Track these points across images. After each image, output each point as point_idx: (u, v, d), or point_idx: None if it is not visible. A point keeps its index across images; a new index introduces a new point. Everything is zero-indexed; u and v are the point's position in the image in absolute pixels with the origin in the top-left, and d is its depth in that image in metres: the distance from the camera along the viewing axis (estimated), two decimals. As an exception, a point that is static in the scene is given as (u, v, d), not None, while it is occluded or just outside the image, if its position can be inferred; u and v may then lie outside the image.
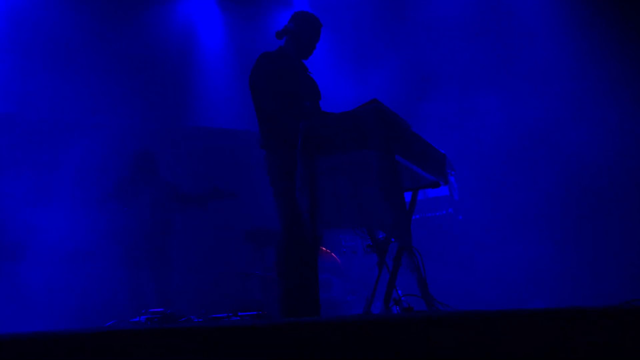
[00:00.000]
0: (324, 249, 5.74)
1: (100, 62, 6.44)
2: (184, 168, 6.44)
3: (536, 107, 6.33)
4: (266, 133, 3.57)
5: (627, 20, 5.95)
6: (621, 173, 5.87)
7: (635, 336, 1.74)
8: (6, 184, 5.48)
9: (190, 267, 6.13)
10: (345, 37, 7.51)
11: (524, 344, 1.65)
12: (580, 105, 6.06)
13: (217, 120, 7.21)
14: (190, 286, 6.03)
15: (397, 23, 7.40)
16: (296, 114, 3.38)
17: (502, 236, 6.08)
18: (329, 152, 2.97)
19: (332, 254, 5.77)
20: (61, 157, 5.80)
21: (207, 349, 1.40)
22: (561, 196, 6.13)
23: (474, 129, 6.57)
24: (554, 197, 6.16)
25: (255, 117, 3.67)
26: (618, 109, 5.86)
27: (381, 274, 3.57)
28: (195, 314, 4.32)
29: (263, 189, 3.74)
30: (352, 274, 5.74)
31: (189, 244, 6.17)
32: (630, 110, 5.81)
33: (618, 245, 5.75)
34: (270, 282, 5.05)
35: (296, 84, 3.61)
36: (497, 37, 6.79)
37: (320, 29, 3.86)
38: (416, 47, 7.19)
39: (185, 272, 5.97)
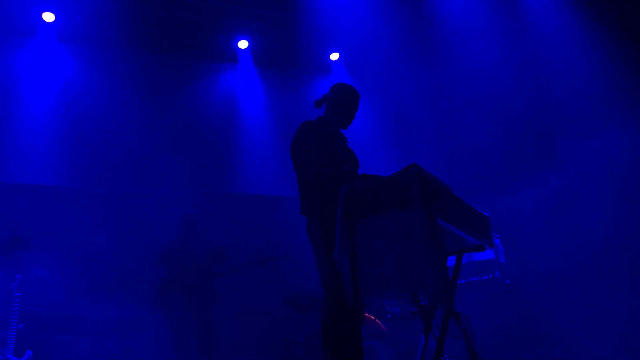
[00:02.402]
0: (368, 315, 5.62)
1: (147, 133, 6.70)
2: (226, 234, 6.48)
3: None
4: (306, 199, 3.61)
5: None
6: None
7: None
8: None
9: (233, 334, 6.07)
10: (385, 105, 7.61)
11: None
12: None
13: (258, 186, 7.31)
14: (234, 354, 5.95)
15: (437, 91, 7.47)
16: (335, 180, 3.41)
17: (553, 300, 5.84)
18: (369, 216, 2.95)
19: (377, 320, 5.63)
20: (111, 225, 5.94)
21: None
22: (617, 255, 5.90)
23: (518, 191, 6.48)
24: (610, 256, 5.93)
25: (296, 183, 3.72)
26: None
27: (428, 341, 3.47)
28: None
29: (304, 254, 3.73)
30: (398, 340, 5.57)
31: (232, 310, 6.14)
32: None
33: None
34: (314, 349, 4.95)
35: (335, 151, 3.67)
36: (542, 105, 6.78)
37: (359, 99, 3.97)
38: (455, 113, 7.23)
39: (229, 339, 5.91)
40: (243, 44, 7.38)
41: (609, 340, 5.36)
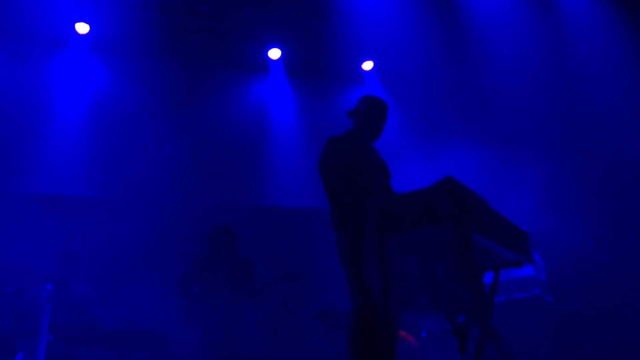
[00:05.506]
0: (402, 332, 5.46)
1: (177, 143, 6.69)
2: (255, 247, 6.40)
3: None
4: (336, 214, 3.59)
5: None
6: None
7: None
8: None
9: (260, 350, 5.98)
10: (419, 116, 7.48)
11: None
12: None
13: (288, 199, 7.24)
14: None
15: (473, 101, 7.31)
16: (365, 195, 3.36)
17: (597, 321, 5.59)
18: (400, 230, 2.84)
19: (410, 337, 5.47)
20: (143, 237, 5.91)
21: None
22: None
23: (556, 199, 6.27)
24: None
25: (326, 196, 3.68)
26: None
27: (463, 360, 3.35)
28: None
29: (335, 269, 3.66)
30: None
31: (260, 325, 6.05)
32: None
33: None
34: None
35: (364, 165, 3.66)
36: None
37: (387, 110, 3.99)
38: (492, 127, 7.06)
39: (256, 355, 5.83)
40: (274, 54, 7.34)
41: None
